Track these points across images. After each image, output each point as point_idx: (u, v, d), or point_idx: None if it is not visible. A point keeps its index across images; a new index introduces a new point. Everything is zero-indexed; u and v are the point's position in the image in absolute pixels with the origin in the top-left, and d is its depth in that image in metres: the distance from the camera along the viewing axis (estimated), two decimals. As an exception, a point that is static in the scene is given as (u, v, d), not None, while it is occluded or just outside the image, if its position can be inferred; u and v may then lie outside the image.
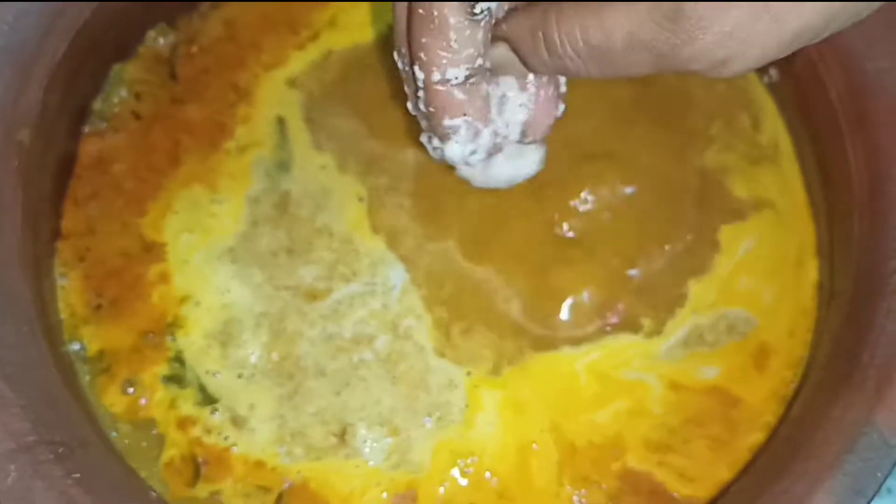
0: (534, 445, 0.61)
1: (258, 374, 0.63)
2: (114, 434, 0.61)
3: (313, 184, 0.68)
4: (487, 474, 0.61)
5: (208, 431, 0.61)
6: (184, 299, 0.64)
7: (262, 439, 0.61)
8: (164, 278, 0.65)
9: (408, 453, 0.61)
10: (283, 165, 0.69)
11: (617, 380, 0.63)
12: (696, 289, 0.66)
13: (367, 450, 0.61)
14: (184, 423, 0.62)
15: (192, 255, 0.65)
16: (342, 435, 0.61)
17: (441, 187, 0.67)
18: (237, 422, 0.62)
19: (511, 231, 0.66)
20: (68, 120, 0.66)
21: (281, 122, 0.70)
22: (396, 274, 0.66)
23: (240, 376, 0.63)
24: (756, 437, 0.62)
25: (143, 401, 0.62)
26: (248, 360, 0.63)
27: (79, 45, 0.64)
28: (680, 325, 0.65)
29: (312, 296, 0.65)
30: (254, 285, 0.65)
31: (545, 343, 0.64)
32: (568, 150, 0.65)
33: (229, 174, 0.68)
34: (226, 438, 0.61)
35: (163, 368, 0.63)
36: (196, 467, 0.60)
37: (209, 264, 0.66)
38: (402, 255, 0.66)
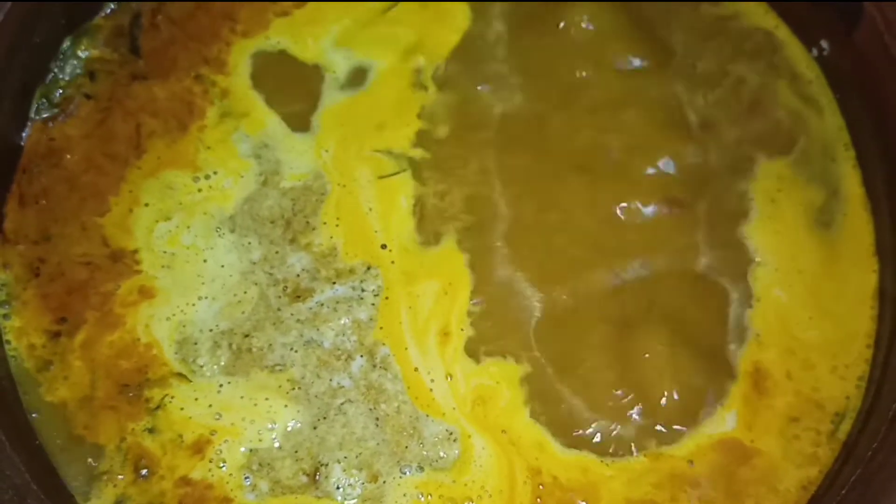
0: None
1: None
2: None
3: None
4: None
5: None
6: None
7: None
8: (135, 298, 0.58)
9: (382, 498, 0.55)
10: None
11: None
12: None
13: (339, 496, 0.55)
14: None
15: (174, 245, 0.59)
16: (314, 475, 0.55)
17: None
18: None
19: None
20: (10, 104, 0.59)
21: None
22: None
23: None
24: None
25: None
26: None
27: (21, 15, 0.57)
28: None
29: (296, 295, 0.58)
30: (248, 263, 0.59)
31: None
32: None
33: (206, 146, 0.62)
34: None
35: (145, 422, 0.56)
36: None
37: (203, 241, 0.60)
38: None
